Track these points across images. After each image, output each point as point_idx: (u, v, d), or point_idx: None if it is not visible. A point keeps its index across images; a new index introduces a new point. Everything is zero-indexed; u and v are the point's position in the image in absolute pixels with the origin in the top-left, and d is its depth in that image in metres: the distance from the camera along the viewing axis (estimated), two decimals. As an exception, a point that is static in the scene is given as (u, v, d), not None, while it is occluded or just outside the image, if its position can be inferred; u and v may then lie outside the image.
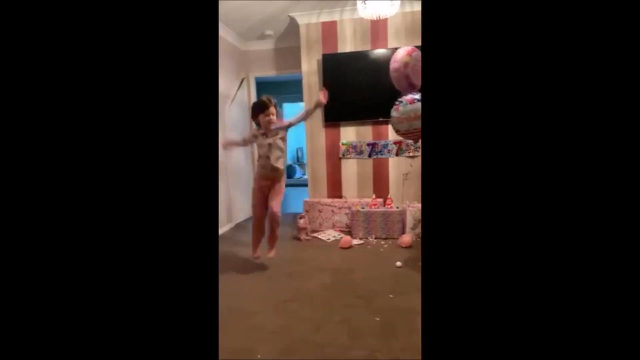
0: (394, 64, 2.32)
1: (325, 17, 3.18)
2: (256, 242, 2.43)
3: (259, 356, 1.44)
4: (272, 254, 2.40)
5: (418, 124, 2.32)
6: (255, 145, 2.45)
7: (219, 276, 2.33)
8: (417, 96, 2.34)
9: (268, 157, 2.25)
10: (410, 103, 2.32)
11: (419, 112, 2.32)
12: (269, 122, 2.20)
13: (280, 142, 2.27)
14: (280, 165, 2.29)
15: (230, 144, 2.48)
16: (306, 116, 2.43)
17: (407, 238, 2.78)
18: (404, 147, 3.19)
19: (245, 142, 2.45)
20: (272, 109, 2.19)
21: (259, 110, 2.21)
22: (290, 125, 2.33)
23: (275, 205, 2.27)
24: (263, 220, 2.40)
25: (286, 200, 5.08)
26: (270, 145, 2.24)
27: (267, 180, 2.32)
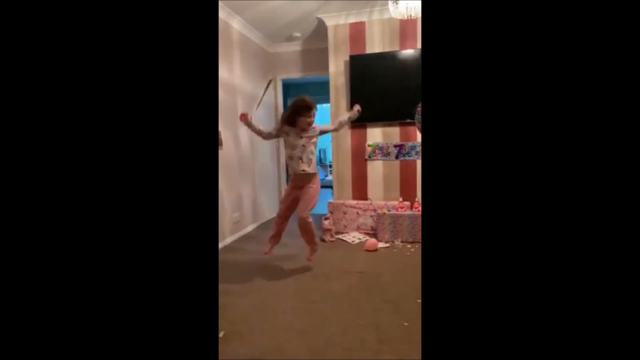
0: None
1: (353, 18, 3.17)
2: (271, 241, 2.43)
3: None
4: (312, 257, 2.38)
5: None
6: (283, 145, 2.39)
7: (243, 275, 2.36)
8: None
9: (300, 159, 2.19)
10: None
11: None
12: (309, 124, 2.15)
13: (312, 146, 2.23)
14: (312, 169, 2.22)
15: (245, 120, 2.17)
16: (339, 127, 2.37)
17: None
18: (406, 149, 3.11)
19: (265, 134, 2.26)
20: (315, 112, 2.16)
21: (302, 110, 2.13)
22: (322, 132, 2.29)
23: (302, 209, 2.20)
24: (284, 225, 2.40)
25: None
26: (304, 147, 2.19)
27: (299, 183, 2.26)
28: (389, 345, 1.48)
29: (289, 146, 2.21)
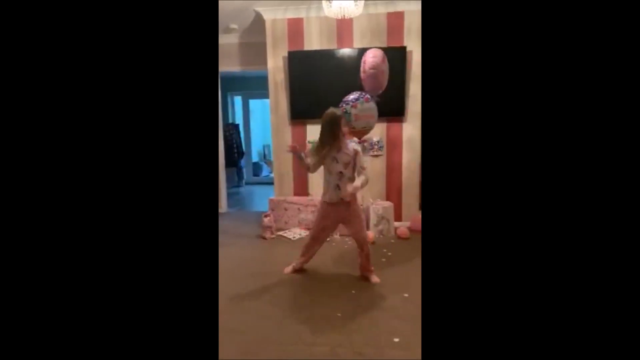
0: (373, 60, 2.44)
1: (291, 14, 3.16)
2: (301, 259, 2.24)
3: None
4: (375, 278, 2.11)
5: (373, 122, 2.48)
6: (316, 167, 2.04)
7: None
8: (351, 96, 2.56)
9: (338, 187, 1.96)
10: (366, 102, 2.48)
11: (374, 112, 2.50)
12: (345, 135, 1.94)
13: (349, 172, 1.97)
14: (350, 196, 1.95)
15: (295, 151, 2.05)
16: (360, 179, 1.98)
17: (369, 235, 2.84)
18: (368, 145, 3.26)
19: (311, 167, 2.04)
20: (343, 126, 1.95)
21: (338, 120, 1.93)
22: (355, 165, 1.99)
23: (356, 231, 2.04)
24: (315, 249, 2.21)
25: (251, 198, 5.01)
26: (341, 174, 1.95)
27: (333, 211, 2.03)
28: (323, 337, 1.53)
29: (327, 170, 2.02)
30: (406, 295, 1.92)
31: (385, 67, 2.57)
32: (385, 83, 2.61)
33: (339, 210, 2.02)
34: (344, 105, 2.57)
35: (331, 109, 1.97)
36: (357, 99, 2.54)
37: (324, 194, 2.05)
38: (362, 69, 2.57)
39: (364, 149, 3.23)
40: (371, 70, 2.50)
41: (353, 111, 2.54)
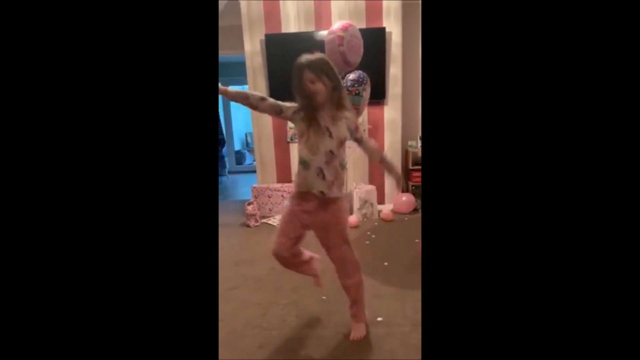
0: (328, 36, 2.28)
1: (267, -5, 3.06)
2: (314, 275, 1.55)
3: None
4: (358, 333, 1.43)
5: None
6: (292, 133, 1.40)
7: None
8: (352, 76, 2.31)
9: (322, 173, 1.23)
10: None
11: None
12: (314, 92, 1.19)
13: (343, 154, 1.28)
14: (336, 190, 1.27)
15: (224, 93, 1.26)
16: (366, 147, 1.35)
17: (353, 219, 2.87)
18: (350, 130, 3.24)
19: (261, 104, 1.29)
20: (308, 74, 1.18)
21: (296, 71, 1.21)
22: (357, 138, 1.31)
23: (343, 247, 1.33)
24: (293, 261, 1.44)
25: (235, 188, 4.95)
26: (332, 153, 1.22)
27: (310, 208, 1.28)
28: (308, 320, 1.55)
29: (306, 145, 1.23)
30: (387, 276, 1.95)
31: (345, 44, 2.28)
32: (352, 59, 2.35)
33: (316, 210, 1.28)
34: (355, 85, 2.28)
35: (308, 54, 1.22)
36: (364, 80, 2.25)
37: (297, 181, 1.29)
38: (337, 43, 2.28)
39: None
40: (328, 45, 2.24)
41: (365, 94, 2.31)
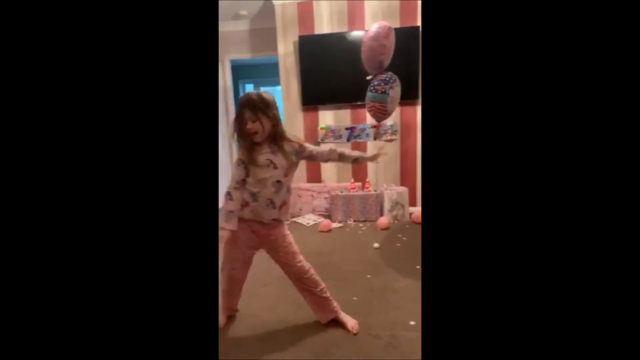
0: (371, 41, 2.26)
1: (301, -3, 3.10)
2: (224, 311, 1.56)
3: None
4: (351, 322, 1.47)
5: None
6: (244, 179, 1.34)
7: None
8: (382, 76, 2.30)
9: (272, 203, 1.31)
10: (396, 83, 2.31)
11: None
12: (250, 132, 1.27)
13: (290, 180, 1.37)
14: (284, 214, 1.38)
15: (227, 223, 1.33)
16: (336, 158, 1.43)
17: (384, 220, 2.84)
18: (381, 130, 3.21)
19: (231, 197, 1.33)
20: (262, 111, 1.26)
21: (241, 108, 1.27)
22: (307, 157, 1.39)
23: (295, 260, 1.41)
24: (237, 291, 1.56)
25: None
26: (279, 183, 1.31)
27: (260, 235, 1.37)
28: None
29: (255, 179, 1.30)
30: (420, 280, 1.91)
31: (388, 43, 2.27)
32: (386, 63, 2.33)
33: (262, 233, 1.36)
34: (381, 84, 2.31)
35: (251, 92, 1.30)
36: (391, 79, 2.29)
37: (245, 209, 1.32)
38: (380, 51, 2.26)
39: (378, 134, 3.19)
40: (372, 42, 2.22)
41: (391, 93, 2.30)
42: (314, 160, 1.44)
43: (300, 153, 1.36)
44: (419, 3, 2.96)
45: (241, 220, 1.34)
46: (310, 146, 1.38)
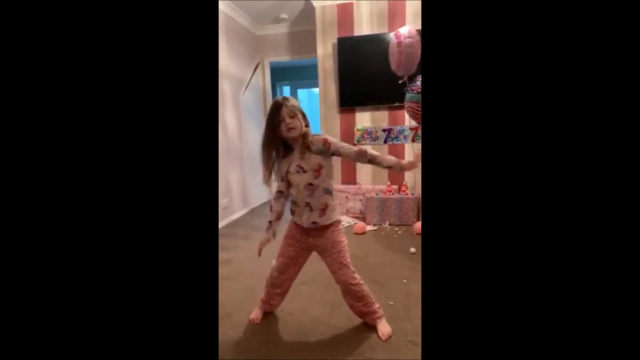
0: (408, 39, 2.30)
1: (341, -1, 3.11)
2: (261, 307, 1.63)
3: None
4: (384, 333, 1.44)
5: None
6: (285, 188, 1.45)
7: (233, 260, 2.38)
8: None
9: (309, 206, 1.37)
10: None
11: None
12: (289, 129, 1.30)
13: (325, 183, 1.37)
14: (326, 218, 1.39)
15: (262, 248, 1.47)
16: (365, 159, 1.39)
17: (421, 225, 2.76)
18: (420, 133, 3.13)
19: (279, 203, 1.47)
20: (292, 110, 1.30)
21: (271, 112, 1.33)
22: (335, 153, 1.37)
23: (338, 270, 1.42)
24: (278, 291, 1.60)
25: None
26: (311, 187, 1.35)
27: (305, 238, 1.44)
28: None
29: (293, 186, 1.40)
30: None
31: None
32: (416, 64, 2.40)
33: (307, 239, 1.44)
34: (419, 84, 2.33)
35: (275, 99, 1.37)
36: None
37: (293, 214, 1.44)
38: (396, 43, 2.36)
39: (418, 137, 3.12)
40: (410, 47, 2.30)
41: (408, 96, 2.38)
42: (340, 156, 1.40)
43: (326, 148, 1.35)
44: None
45: (294, 224, 1.47)
46: (336, 142, 1.37)
